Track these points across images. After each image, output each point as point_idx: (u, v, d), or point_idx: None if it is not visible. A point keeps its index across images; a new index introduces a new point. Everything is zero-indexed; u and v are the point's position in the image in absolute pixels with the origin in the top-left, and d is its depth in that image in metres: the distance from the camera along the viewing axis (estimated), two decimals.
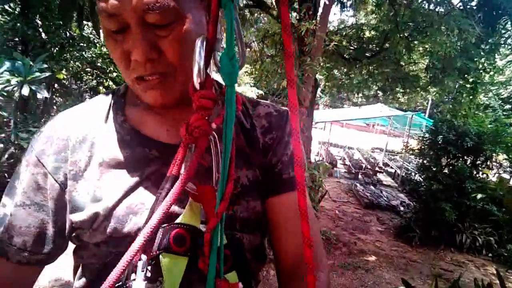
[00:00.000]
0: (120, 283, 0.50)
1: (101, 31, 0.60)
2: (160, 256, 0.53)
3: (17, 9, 6.40)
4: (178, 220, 0.55)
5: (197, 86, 0.45)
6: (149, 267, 0.51)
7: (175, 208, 0.58)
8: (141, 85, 0.56)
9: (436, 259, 5.01)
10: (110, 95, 0.69)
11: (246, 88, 19.28)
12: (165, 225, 0.54)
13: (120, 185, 0.58)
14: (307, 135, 5.65)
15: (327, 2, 4.06)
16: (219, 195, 0.46)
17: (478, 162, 5.63)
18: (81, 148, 0.61)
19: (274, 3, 5.79)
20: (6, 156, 4.60)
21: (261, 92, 19.39)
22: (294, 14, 5.44)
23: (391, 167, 11.89)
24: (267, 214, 0.68)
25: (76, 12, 2.28)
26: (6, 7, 6.28)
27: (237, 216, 0.61)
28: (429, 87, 7.63)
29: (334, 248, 4.94)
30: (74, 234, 0.61)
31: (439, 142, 5.80)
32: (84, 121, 0.64)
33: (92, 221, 0.57)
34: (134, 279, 0.50)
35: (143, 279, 0.50)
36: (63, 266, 3.30)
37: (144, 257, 0.51)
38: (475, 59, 6.61)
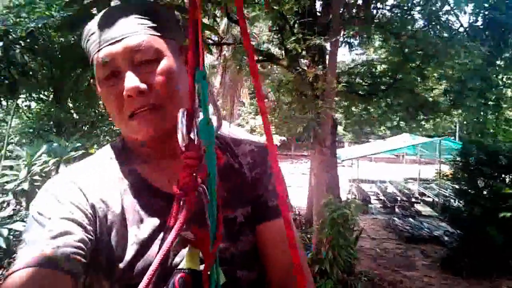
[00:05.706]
0: None
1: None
2: None
3: (51, 96, 7.02)
4: (180, 266, 0.61)
5: (183, 149, 0.51)
6: None
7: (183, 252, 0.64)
8: (134, 121, 0.63)
9: None
10: (108, 150, 0.74)
11: None
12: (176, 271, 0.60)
13: (136, 240, 0.63)
14: (332, 174, 5.63)
15: (330, 48, 4.27)
16: (211, 238, 0.52)
17: None
18: (93, 197, 0.65)
19: (283, 54, 6.09)
20: None
21: (283, 138, 19.59)
22: (304, 61, 5.70)
23: (428, 196, 11.40)
24: (256, 241, 0.73)
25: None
26: (41, 95, 6.91)
27: (239, 251, 0.67)
28: (451, 110, 7.51)
29: None
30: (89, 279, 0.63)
31: (472, 164, 5.61)
32: (91, 174, 0.68)
33: (110, 272, 0.61)
34: None
35: None
36: None
37: None
38: (493, 76, 6.54)
